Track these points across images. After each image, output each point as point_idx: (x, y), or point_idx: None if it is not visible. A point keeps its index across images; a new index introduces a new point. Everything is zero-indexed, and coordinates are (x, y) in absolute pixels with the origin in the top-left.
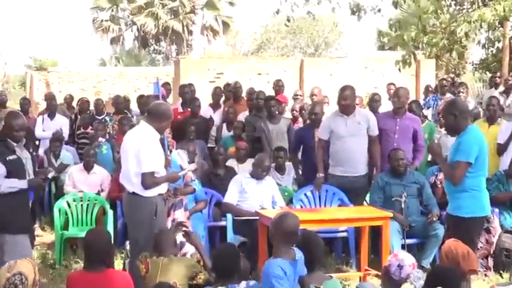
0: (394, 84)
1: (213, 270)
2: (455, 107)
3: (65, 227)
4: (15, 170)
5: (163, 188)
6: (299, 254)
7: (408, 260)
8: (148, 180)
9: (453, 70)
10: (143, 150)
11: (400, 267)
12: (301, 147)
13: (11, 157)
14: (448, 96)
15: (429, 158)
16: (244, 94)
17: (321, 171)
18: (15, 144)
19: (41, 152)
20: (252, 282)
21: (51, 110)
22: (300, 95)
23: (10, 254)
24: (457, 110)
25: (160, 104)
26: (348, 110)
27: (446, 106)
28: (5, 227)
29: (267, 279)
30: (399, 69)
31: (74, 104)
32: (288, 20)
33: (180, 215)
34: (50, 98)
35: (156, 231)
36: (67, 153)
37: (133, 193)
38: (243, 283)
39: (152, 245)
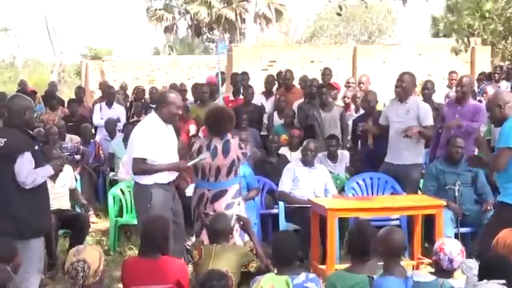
0: (456, 73)
1: (271, 257)
2: (500, 98)
3: (119, 214)
4: (36, 160)
5: (164, 177)
6: (409, 272)
7: (455, 249)
8: (136, 166)
9: (509, 57)
10: (136, 136)
11: (450, 260)
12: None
13: (36, 148)
14: (504, 83)
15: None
16: (297, 82)
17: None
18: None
19: (97, 139)
20: (311, 275)
21: (109, 99)
22: (353, 83)
23: None
24: (502, 101)
25: (162, 92)
26: (400, 96)
27: (491, 98)
28: (21, 233)
29: None
30: (455, 53)
31: (129, 92)
32: (340, 8)
33: (219, 206)
34: (107, 86)
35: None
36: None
37: (135, 180)
38: (303, 275)
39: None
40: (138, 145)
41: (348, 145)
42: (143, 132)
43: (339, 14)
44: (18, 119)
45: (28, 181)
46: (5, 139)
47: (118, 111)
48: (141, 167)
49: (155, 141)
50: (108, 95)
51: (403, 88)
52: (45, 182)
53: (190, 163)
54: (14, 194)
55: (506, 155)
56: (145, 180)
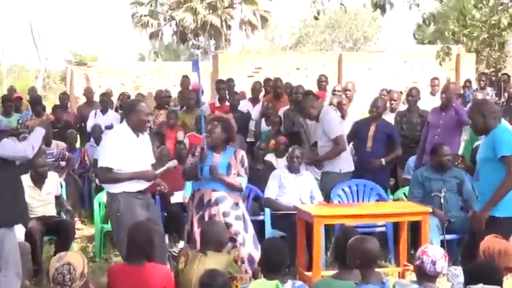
0: (438, 79)
1: (260, 264)
2: (484, 107)
3: (105, 220)
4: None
5: (133, 186)
6: (384, 277)
7: (438, 253)
8: (102, 175)
9: (494, 64)
10: (102, 145)
11: (433, 262)
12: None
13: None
14: (488, 90)
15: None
16: None
17: None
18: None
19: (87, 146)
20: (298, 283)
21: (103, 105)
22: (339, 90)
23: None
24: (486, 111)
25: (130, 100)
26: None
27: (475, 106)
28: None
29: None
30: (440, 63)
31: (114, 98)
32: (318, 13)
33: (216, 211)
34: (101, 94)
35: (125, 227)
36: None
37: (106, 189)
38: (289, 282)
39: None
40: (104, 154)
41: None
42: (109, 141)
43: (316, 18)
44: None
45: (28, 152)
46: None
47: (112, 117)
48: (106, 175)
49: (122, 150)
50: (103, 102)
51: None
52: (19, 178)
53: (158, 171)
54: None
55: None
56: (114, 189)
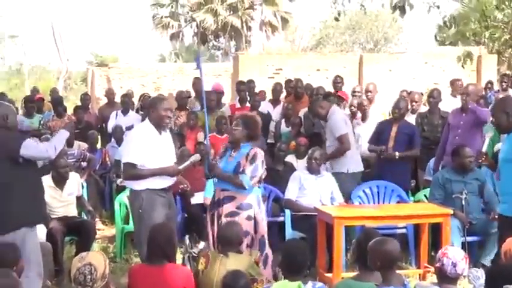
0: (459, 80)
1: (281, 265)
2: (508, 104)
3: (126, 221)
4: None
5: (156, 183)
6: (406, 279)
7: (459, 255)
8: (126, 171)
9: None
10: (126, 142)
11: (454, 264)
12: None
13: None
14: (510, 91)
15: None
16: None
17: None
18: None
19: (108, 146)
20: (318, 284)
21: (124, 106)
22: (359, 91)
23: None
24: (509, 108)
25: (151, 98)
26: None
27: (498, 104)
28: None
29: None
30: (462, 66)
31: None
32: (339, 14)
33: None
34: (123, 95)
35: (147, 225)
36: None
37: (129, 186)
38: (309, 283)
39: (145, 240)
40: (127, 151)
41: None
42: (133, 138)
43: (336, 19)
44: (2, 124)
45: (50, 153)
46: None
47: (133, 117)
48: (131, 171)
49: (145, 146)
50: (124, 103)
51: None
52: (40, 179)
53: (181, 166)
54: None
55: None
56: (137, 185)
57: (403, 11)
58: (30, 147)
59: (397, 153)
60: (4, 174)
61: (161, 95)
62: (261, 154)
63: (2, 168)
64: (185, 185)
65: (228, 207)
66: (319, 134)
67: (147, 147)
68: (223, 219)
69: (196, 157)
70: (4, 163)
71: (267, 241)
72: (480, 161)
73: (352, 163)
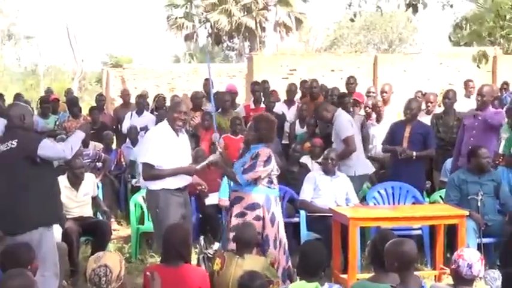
0: (472, 81)
1: (298, 267)
2: None
3: (141, 221)
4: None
5: (173, 183)
6: (423, 281)
7: (474, 256)
8: (145, 172)
9: None
10: (144, 141)
11: (469, 266)
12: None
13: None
14: None
15: None
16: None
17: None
18: None
19: (123, 147)
20: (334, 286)
21: (139, 107)
22: (373, 92)
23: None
24: None
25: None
26: None
27: None
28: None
29: None
30: (478, 66)
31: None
32: (355, 15)
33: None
34: (137, 95)
35: (164, 225)
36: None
37: (146, 186)
38: (326, 285)
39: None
40: (145, 151)
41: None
42: (150, 138)
43: (352, 20)
44: (19, 124)
45: (67, 153)
46: (16, 140)
47: (148, 118)
48: (149, 172)
49: (163, 147)
50: (139, 104)
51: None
52: (56, 179)
53: (199, 166)
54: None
55: None
56: (154, 185)
57: (415, 9)
58: (47, 148)
59: (414, 153)
60: (21, 174)
61: (177, 96)
62: (265, 153)
63: (20, 169)
64: (203, 186)
65: (237, 208)
66: None
67: (164, 148)
68: (233, 220)
69: (214, 157)
70: (22, 163)
71: (281, 242)
72: (497, 162)
73: (360, 166)
